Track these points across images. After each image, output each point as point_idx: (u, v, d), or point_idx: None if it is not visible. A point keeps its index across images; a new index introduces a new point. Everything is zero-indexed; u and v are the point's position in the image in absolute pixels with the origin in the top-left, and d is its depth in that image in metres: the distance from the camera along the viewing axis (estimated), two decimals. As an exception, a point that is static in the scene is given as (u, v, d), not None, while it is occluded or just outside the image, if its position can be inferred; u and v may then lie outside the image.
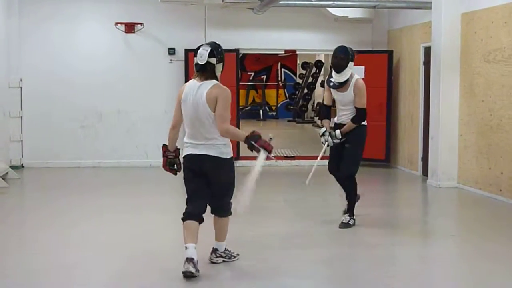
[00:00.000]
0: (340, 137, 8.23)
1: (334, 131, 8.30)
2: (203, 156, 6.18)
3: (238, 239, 7.27)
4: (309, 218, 8.88)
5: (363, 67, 13.95)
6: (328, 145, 8.32)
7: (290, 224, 8.47)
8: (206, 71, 6.20)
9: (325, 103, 8.61)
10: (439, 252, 7.54)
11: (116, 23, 13.69)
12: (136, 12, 13.84)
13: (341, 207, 8.67)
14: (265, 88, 26.64)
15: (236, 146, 13.23)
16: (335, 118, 8.50)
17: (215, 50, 6.21)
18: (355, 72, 8.32)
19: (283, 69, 26.81)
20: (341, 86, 8.18)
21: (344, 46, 8.22)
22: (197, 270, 6.07)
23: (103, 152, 13.88)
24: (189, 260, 6.04)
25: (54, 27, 13.68)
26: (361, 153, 8.47)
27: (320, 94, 21.44)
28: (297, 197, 10.68)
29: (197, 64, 6.23)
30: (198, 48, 6.25)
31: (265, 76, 26.78)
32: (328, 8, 13.78)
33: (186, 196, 6.38)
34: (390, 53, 13.95)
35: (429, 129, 11.92)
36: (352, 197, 8.45)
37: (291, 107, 25.03)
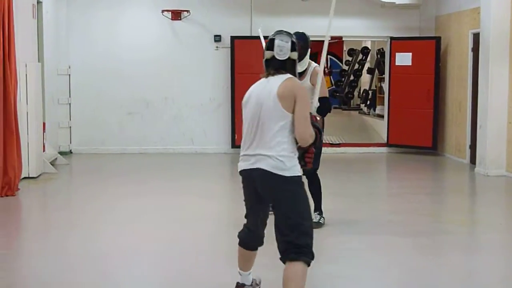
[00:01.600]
0: None
1: None
2: (257, 171, 4.65)
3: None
4: (355, 205, 8.84)
5: (410, 53, 13.88)
6: None
7: (340, 211, 8.42)
8: (285, 69, 4.75)
9: None
10: (486, 241, 7.45)
11: (163, 10, 13.76)
12: (183, -1, 13.91)
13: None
14: (311, 75, 26.49)
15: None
16: None
17: (297, 42, 4.80)
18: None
19: (329, 56, 26.66)
20: (300, 76, 7.71)
21: (303, 33, 7.63)
22: None
23: (150, 139, 13.99)
24: None
25: (101, 14, 13.79)
26: None
27: (366, 81, 21.30)
28: (342, 185, 10.64)
29: (272, 59, 4.77)
30: (272, 39, 4.79)
31: (311, 63, 26.59)
32: (375, -6, 13.69)
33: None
34: (438, 40, 13.77)
35: (478, 116, 11.76)
36: (319, 193, 7.70)
37: (337, 94, 24.91)
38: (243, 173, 4.78)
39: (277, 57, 4.74)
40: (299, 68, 7.22)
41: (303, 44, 7.37)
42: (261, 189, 4.70)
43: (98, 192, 9.89)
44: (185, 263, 6.33)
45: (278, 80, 4.67)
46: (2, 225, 8.00)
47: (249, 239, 5.01)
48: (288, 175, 4.57)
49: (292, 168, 4.60)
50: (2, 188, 9.24)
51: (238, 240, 5.07)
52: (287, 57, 4.73)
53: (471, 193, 10.91)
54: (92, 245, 6.97)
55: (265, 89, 4.69)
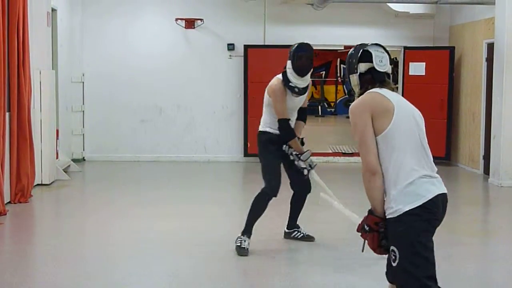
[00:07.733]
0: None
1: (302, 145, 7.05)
2: (444, 196, 4.14)
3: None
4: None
5: (424, 63, 13.84)
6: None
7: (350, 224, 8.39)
8: (388, 84, 4.24)
9: (286, 117, 6.90)
10: (500, 251, 7.40)
11: (176, 19, 13.79)
12: (196, 7, 13.91)
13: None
14: (324, 84, 26.53)
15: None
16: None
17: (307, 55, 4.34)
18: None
19: (342, 65, 26.64)
20: (306, 90, 7.02)
21: (309, 44, 6.99)
22: None
23: (163, 147, 14.00)
24: None
25: (115, 22, 13.84)
26: None
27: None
28: (355, 195, 10.59)
29: (370, 72, 4.24)
30: (366, 50, 4.29)
31: (324, 72, 26.65)
32: (389, 4, 13.65)
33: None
34: (451, 50, 13.74)
35: (491, 127, 11.71)
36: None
37: (350, 103, 24.87)
38: (439, 198, 4.09)
39: (377, 68, 4.20)
40: (305, 82, 6.92)
41: (310, 55, 6.90)
42: (441, 218, 4.25)
43: (110, 199, 9.91)
44: (198, 271, 6.32)
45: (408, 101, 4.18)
46: (15, 231, 8.04)
47: None
48: None
49: None
50: (15, 195, 9.27)
51: None
52: (387, 68, 4.23)
53: (485, 203, 10.85)
54: (104, 252, 6.99)
55: (408, 104, 4.17)
